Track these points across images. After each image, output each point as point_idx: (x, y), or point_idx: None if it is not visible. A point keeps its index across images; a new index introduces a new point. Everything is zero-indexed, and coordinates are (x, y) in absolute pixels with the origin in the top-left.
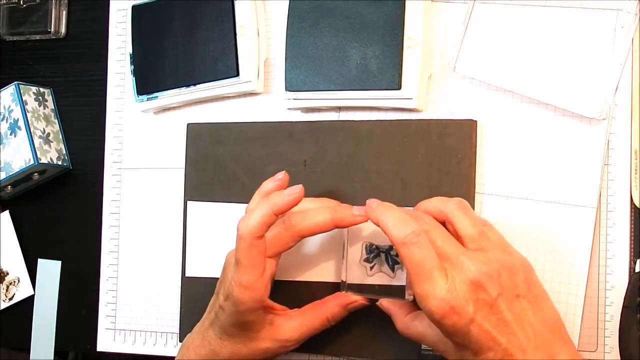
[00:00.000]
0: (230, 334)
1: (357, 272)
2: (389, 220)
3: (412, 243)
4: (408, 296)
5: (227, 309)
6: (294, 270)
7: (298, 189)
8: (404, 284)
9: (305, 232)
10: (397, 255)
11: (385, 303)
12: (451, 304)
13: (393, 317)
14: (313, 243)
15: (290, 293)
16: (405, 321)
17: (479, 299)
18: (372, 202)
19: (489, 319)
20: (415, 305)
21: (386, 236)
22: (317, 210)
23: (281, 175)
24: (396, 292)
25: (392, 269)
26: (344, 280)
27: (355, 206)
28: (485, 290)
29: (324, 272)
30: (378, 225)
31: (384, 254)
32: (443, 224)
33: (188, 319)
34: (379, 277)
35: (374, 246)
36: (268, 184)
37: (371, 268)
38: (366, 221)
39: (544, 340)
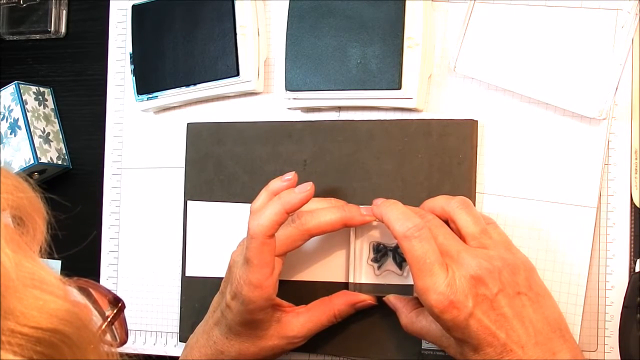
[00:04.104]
0: (238, 333)
1: (365, 272)
2: (392, 215)
3: (414, 237)
4: (415, 292)
5: (235, 308)
6: (300, 270)
7: (309, 186)
8: (412, 283)
9: (315, 230)
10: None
11: (392, 298)
12: (450, 299)
13: (398, 312)
14: (319, 243)
15: (296, 293)
16: (409, 316)
17: (479, 294)
18: (378, 200)
19: (488, 315)
20: (420, 302)
21: (392, 235)
22: (326, 210)
23: (290, 176)
24: (405, 290)
25: (400, 267)
26: (352, 281)
27: (362, 206)
28: (485, 286)
29: (330, 272)
30: (382, 221)
31: (392, 253)
32: (446, 222)
33: (188, 319)
34: (387, 276)
35: (381, 245)
36: (276, 183)
37: (379, 267)
38: (375, 220)
39: (544, 337)
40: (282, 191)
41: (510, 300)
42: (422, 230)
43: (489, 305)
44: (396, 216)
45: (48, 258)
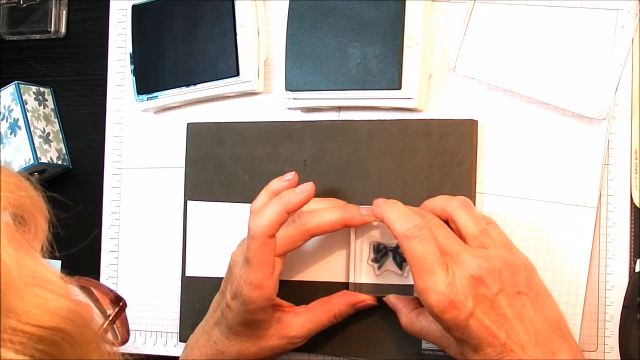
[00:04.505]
0: (238, 333)
1: (365, 272)
2: (392, 215)
3: (414, 237)
4: (415, 292)
5: (235, 308)
6: (301, 271)
7: (309, 186)
8: (412, 283)
9: (315, 231)
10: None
11: (392, 299)
12: (450, 299)
13: (398, 312)
14: (319, 243)
15: (296, 293)
16: (410, 317)
17: (479, 294)
18: (378, 201)
19: (488, 314)
20: (421, 302)
21: (393, 235)
22: (326, 210)
23: (290, 176)
24: (405, 290)
25: (400, 267)
26: (352, 281)
27: (363, 206)
28: (485, 286)
29: (330, 272)
30: (383, 222)
31: (392, 253)
32: (447, 222)
33: (188, 319)
34: (388, 276)
35: (381, 245)
36: (276, 183)
37: (379, 268)
38: (375, 220)
39: (544, 337)
40: (283, 191)
41: (510, 300)
42: (422, 230)
43: (489, 305)
44: (396, 216)
45: (49, 257)
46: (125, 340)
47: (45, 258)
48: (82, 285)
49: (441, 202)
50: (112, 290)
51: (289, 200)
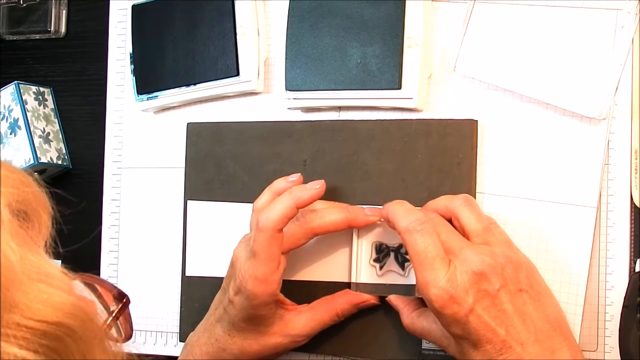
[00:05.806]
0: (241, 330)
1: (367, 272)
2: (397, 212)
3: (416, 230)
4: (417, 293)
5: (239, 303)
6: (303, 270)
7: (320, 183)
8: (415, 283)
9: (318, 230)
10: (406, 253)
11: (393, 298)
12: (451, 293)
13: (400, 312)
14: (321, 243)
15: (298, 293)
16: (411, 317)
17: (481, 289)
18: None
19: (488, 311)
20: (422, 303)
21: (395, 235)
22: (330, 209)
23: (295, 177)
24: (406, 290)
25: (402, 267)
26: (354, 281)
27: (366, 206)
28: (488, 281)
29: (332, 272)
30: (388, 220)
31: (394, 253)
32: (450, 221)
33: (188, 319)
34: (389, 276)
35: (383, 245)
36: (280, 183)
37: (381, 268)
38: (378, 220)
39: (544, 335)
40: (285, 191)
41: (511, 297)
42: (424, 225)
43: (490, 302)
44: (400, 212)
45: (53, 252)
46: (128, 337)
47: (49, 254)
48: (86, 282)
49: (444, 201)
50: (115, 287)
51: (300, 195)
